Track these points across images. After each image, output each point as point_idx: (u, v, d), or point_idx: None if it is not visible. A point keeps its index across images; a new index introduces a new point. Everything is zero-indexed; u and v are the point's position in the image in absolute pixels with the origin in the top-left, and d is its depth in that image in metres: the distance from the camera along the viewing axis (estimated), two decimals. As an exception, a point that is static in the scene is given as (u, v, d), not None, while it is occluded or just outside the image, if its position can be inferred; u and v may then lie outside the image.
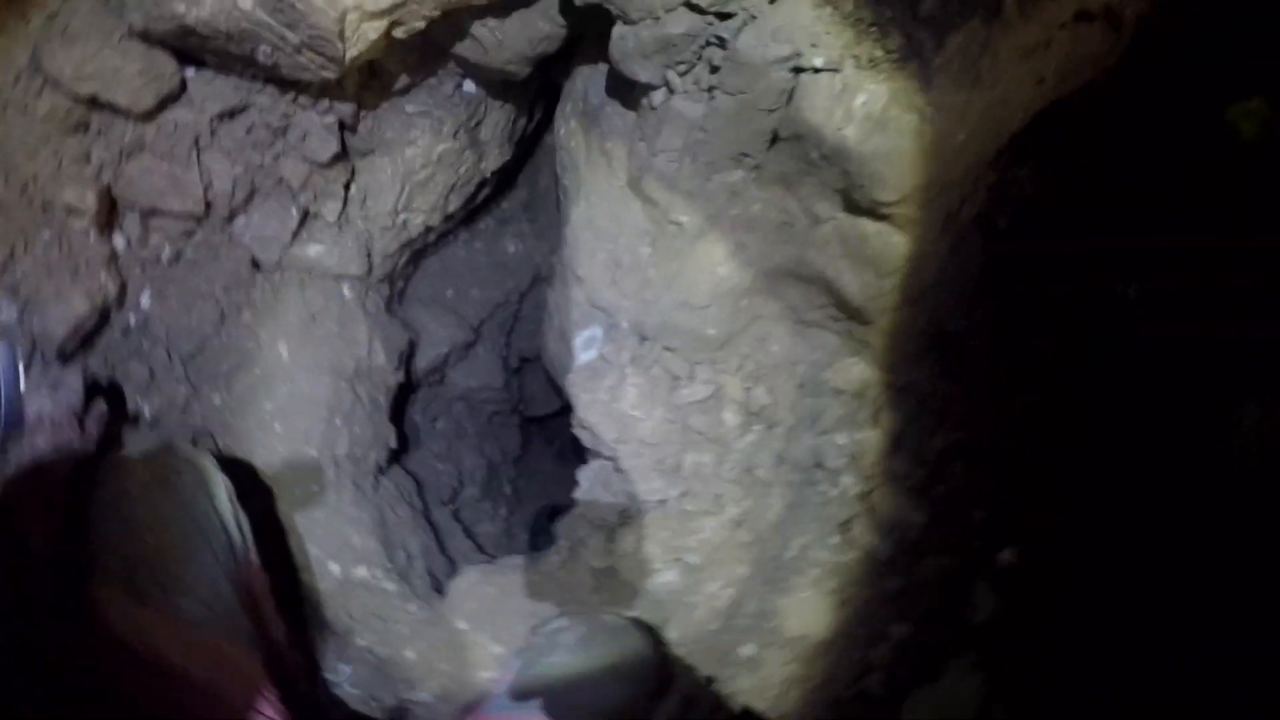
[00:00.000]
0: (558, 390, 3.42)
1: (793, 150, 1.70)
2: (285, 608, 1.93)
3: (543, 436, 3.95)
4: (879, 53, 1.53)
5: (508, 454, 3.65)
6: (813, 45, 1.59)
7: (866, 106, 1.55)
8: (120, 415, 2.05)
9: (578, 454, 3.84)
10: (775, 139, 1.74)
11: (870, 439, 2.01)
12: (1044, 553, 1.86)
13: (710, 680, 1.97)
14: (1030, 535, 1.89)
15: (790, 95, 1.66)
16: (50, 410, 1.75)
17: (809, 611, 1.95)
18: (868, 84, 1.54)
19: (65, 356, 1.97)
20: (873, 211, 1.68)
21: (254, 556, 1.77)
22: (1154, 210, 1.85)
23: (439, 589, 2.54)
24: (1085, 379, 1.92)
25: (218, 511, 1.67)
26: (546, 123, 2.89)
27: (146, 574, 1.53)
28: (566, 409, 3.63)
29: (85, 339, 2.00)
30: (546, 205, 3.02)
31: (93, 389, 1.96)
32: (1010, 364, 2.01)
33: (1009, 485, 1.94)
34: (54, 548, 1.63)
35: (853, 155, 1.58)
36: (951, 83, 1.48)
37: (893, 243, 1.72)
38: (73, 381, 1.83)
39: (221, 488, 1.72)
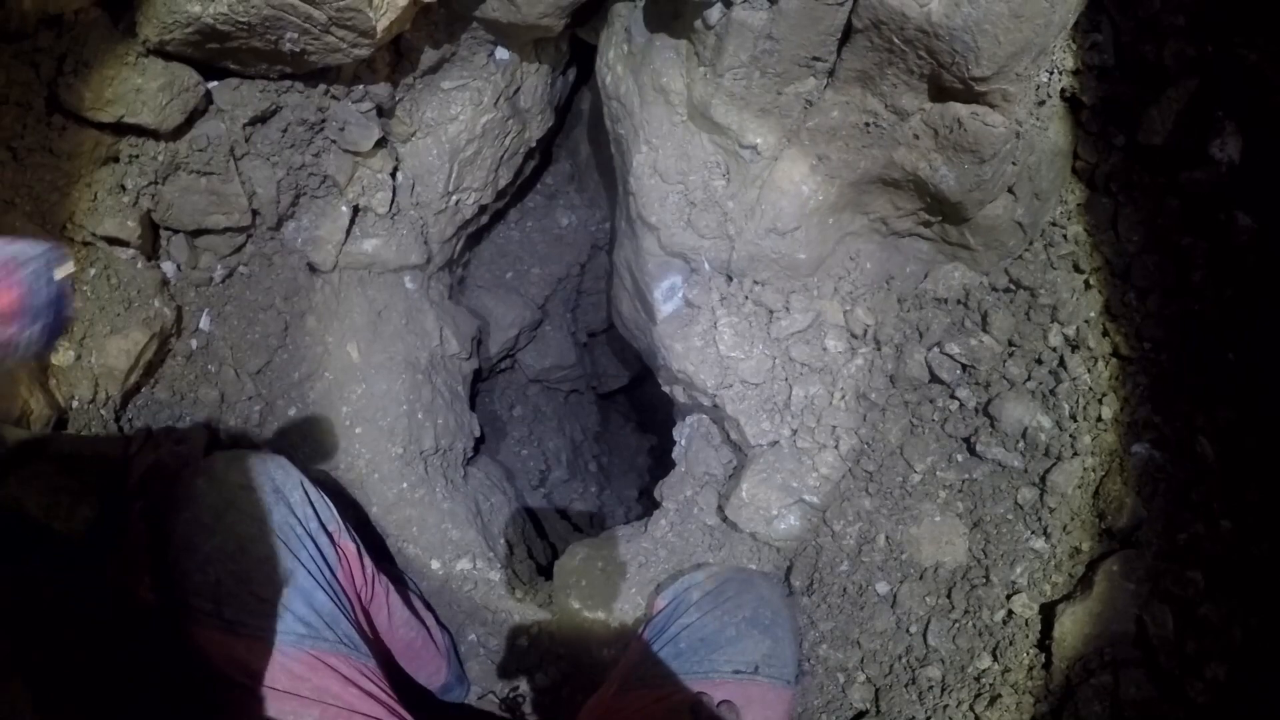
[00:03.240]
0: (630, 359, 3.38)
1: (870, 41, 1.58)
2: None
3: (619, 412, 3.88)
4: (955, -86, 1.42)
5: (588, 432, 3.58)
6: (882, -80, 1.48)
7: (950, -25, 1.44)
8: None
9: (653, 423, 3.81)
10: (848, 34, 1.62)
11: (983, 345, 1.90)
12: (1185, 446, 1.76)
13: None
14: (1167, 429, 1.80)
15: (861, -19, 1.55)
16: (166, 461, 1.72)
17: (942, 537, 1.86)
18: (949, -51, 1.43)
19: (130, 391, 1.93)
20: (966, 91, 1.56)
21: (349, 544, 1.68)
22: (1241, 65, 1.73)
23: (543, 573, 2.47)
24: (1195, 250, 1.81)
25: (299, 518, 1.57)
26: (578, 89, 2.80)
27: (235, 606, 1.45)
28: (637, 381, 3.63)
29: (149, 369, 1.95)
30: (592, 174, 2.92)
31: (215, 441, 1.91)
32: (1117, 249, 1.91)
33: (1135, 376, 1.84)
34: (162, 596, 1.55)
35: (941, 30, 1.47)
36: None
37: (990, 122, 1.61)
38: (197, 437, 1.82)
39: (297, 488, 1.61)
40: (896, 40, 1.54)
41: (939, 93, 1.62)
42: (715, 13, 1.71)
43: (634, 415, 3.85)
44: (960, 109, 1.62)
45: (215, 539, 1.48)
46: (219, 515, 1.50)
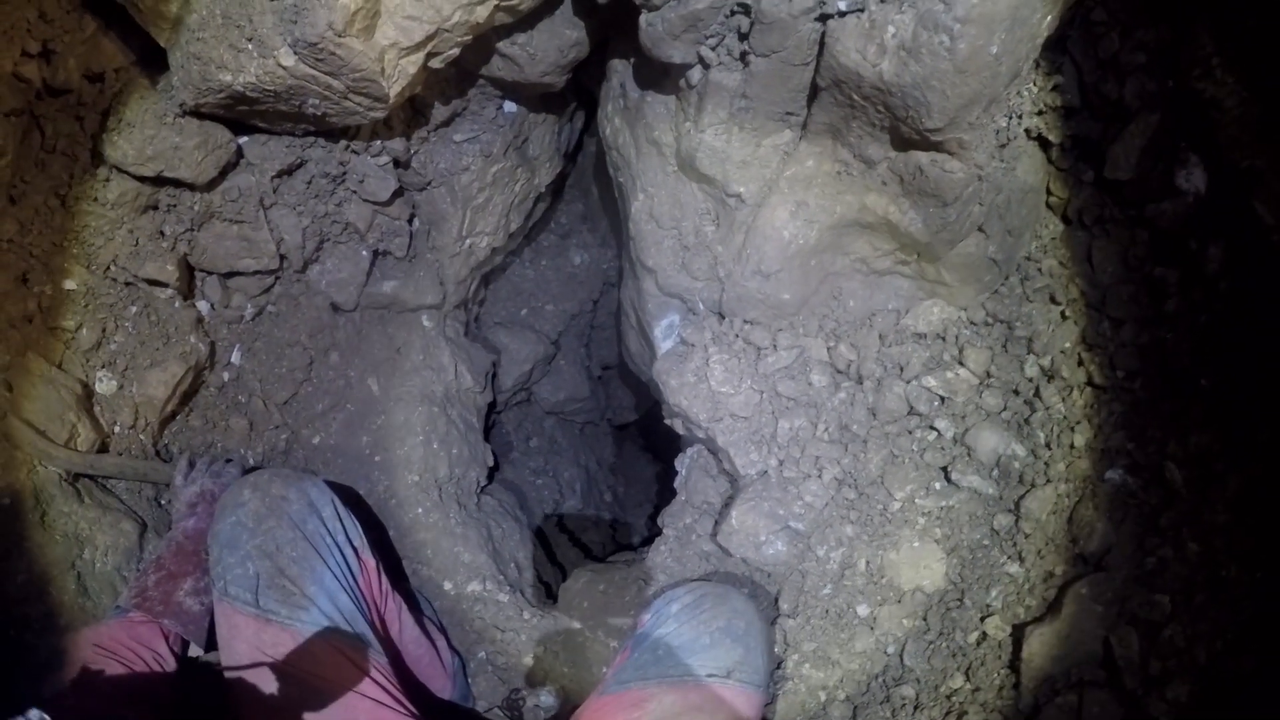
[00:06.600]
0: (643, 392, 3.50)
1: (834, 98, 1.71)
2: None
3: (634, 443, 3.99)
4: (899, -19, 1.54)
5: (603, 463, 3.70)
6: (835, -10, 1.61)
7: (897, 37, 1.55)
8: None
9: (667, 453, 3.90)
10: (815, 92, 1.75)
11: (960, 378, 1.99)
12: (1157, 471, 1.82)
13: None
14: (1140, 455, 1.85)
15: (821, 44, 1.68)
16: (210, 487, 1.95)
17: (920, 562, 1.94)
18: (894, 15, 1.55)
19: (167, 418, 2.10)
20: (923, 141, 1.68)
21: (370, 559, 1.87)
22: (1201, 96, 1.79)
23: (552, 596, 2.59)
24: (1168, 280, 1.87)
25: (329, 530, 1.78)
26: (588, 133, 2.96)
27: (268, 597, 1.65)
28: (652, 413, 3.73)
29: (184, 398, 2.13)
30: (603, 214, 3.08)
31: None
32: (1091, 281, 1.97)
33: (1109, 404, 1.90)
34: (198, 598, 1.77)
35: (893, 87, 1.59)
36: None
37: (949, 169, 1.72)
38: (233, 470, 2.03)
39: (329, 505, 1.82)
40: (856, 97, 1.67)
41: (900, 142, 1.74)
42: (696, 73, 1.86)
43: (649, 447, 3.95)
44: (921, 157, 1.73)
45: (256, 539, 1.69)
46: (260, 520, 1.71)
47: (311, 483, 1.84)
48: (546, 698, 2.18)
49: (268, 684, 1.61)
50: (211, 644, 1.77)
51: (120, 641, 1.65)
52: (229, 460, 2.10)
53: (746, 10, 1.72)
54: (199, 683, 1.80)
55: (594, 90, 2.43)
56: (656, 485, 3.81)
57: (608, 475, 3.72)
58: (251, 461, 2.22)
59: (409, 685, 1.83)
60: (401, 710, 1.68)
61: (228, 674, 1.65)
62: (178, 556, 1.82)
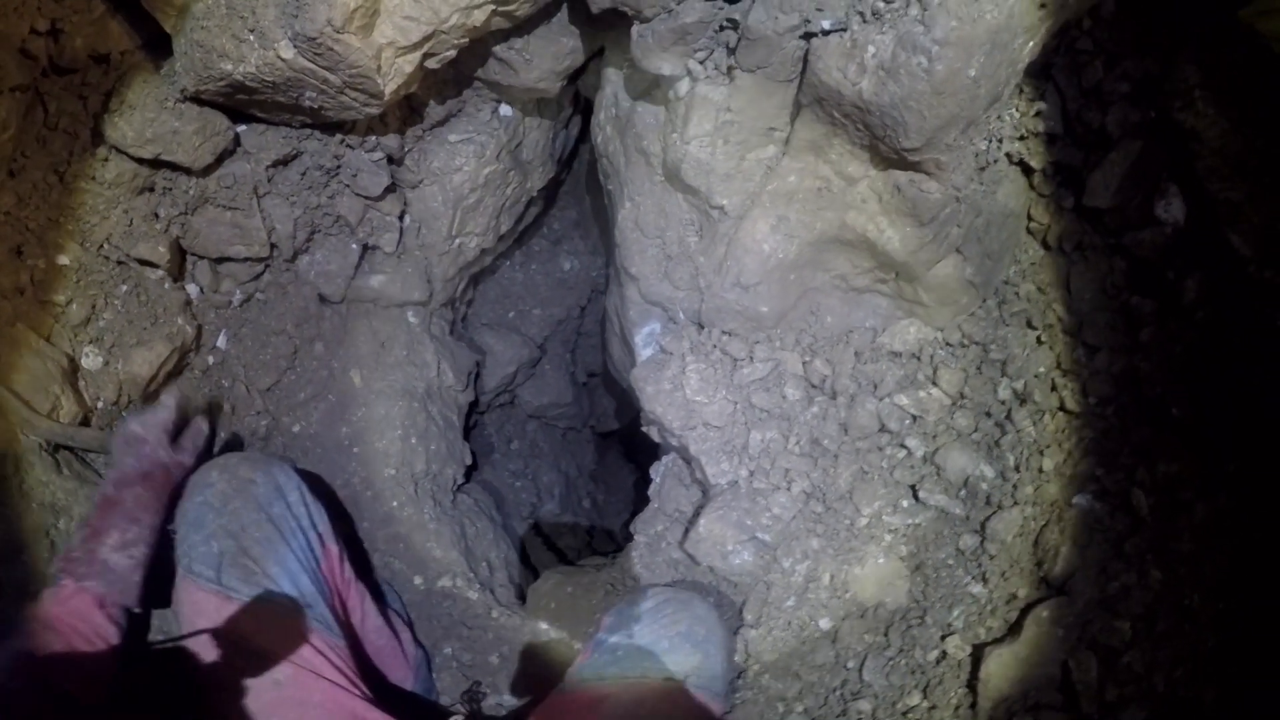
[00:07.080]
0: (623, 401, 3.52)
1: (816, 115, 1.75)
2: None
3: (617, 451, 4.01)
4: (881, 4, 1.57)
5: (584, 469, 3.71)
6: (818, 9, 1.65)
7: (877, 57, 1.58)
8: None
9: (649, 463, 3.91)
10: (798, 109, 1.79)
11: (932, 397, 2.00)
12: (1125, 498, 1.83)
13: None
14: (1109, 481, 1.86)
15: (805, 62, 1.71)
16: (139, 430, 1.81)
17: (884, 579, 1.96)
18: (874, 35, 1.58)
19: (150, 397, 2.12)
20: (901, 161, 1.71)
21: (333, 546, 1.89)
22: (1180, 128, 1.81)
23: (522, 596, 2.60)
24: (1144, 309, 1.88)
25: (294, 514, 1.80)
26: (584, 140, 3.00)
27: (231, 575, 1.67)
28: (634, 422, 3.74)
29: (168, 379, 2.16)
30: (595, 222, 3.11)
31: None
32: (1069, 307, 1.99)
33: (1080, 430, 1.92)
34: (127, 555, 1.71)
35: (872, 106, 1.62)
36: (954, 19, 1.50)
37: (926, 189, 1.74)
38: (167, 400, 1.88)
39: (295, 490, 1.84)
40: (837, 114, 1.70)
41: (880, 161, 1.77)
42: (683, 85, 1.90)
43: (631, 456, 3.96)
44: (899, 176, 1.77)
45: (222, 519, 1.71)
46: (226, 500, 1.73)
47: (279, 468, 1.86)
48: (508, 695, 2.19)
49: (229, 656, 1.63)
50: (149, 603, 1.71)
51: (56, 617, 1.57)
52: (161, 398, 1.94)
53: (735, 25, 1.76)
54: (147, 654, 1.78)
55: (591, 98, 2.47)
56: (636, 494, 3.82)
57: (588, 482, 3.74)
58: (195, 401, 2.17)
59: (368, 672, 1.85)
60: (356, 693, 1.69)
61: (188, 649, 1.66)
62: (102, 510, 1.72)
